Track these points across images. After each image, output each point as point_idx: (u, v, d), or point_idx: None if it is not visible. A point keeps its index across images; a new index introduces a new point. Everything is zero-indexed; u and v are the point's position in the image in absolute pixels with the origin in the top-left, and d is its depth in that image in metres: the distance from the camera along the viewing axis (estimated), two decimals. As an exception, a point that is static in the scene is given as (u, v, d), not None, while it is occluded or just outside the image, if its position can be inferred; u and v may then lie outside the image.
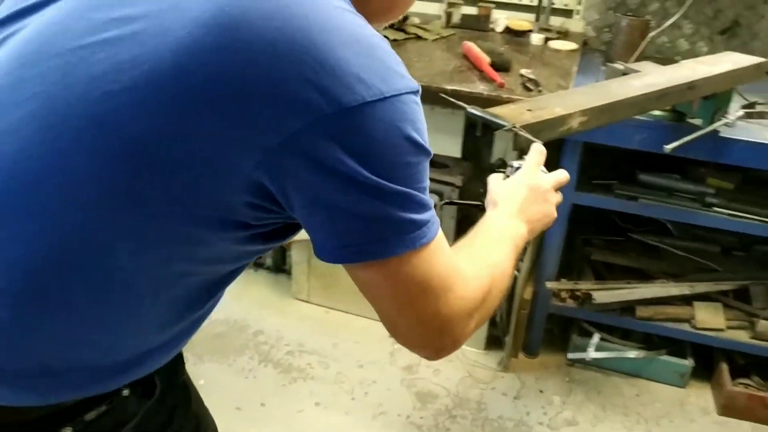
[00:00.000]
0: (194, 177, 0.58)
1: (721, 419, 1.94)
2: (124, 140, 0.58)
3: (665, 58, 2.17)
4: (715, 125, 1.59)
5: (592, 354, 2.04)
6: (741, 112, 1.64)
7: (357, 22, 0.61)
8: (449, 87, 1.69)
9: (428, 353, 0.72)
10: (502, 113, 1.22)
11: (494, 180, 0.95)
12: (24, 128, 0.60)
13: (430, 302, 0.66)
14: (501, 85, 1.69)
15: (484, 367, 2.06)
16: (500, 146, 1.81)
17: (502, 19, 2.20)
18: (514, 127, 1.16)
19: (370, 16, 0.66)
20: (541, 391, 1.99)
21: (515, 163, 0.96)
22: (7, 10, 0.69)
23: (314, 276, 2.21)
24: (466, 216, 1.98)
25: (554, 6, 2.23)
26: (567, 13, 2.27)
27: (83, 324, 0.64)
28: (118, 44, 0.59)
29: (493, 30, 2.22)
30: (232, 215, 0.62)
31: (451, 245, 0.71)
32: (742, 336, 1.95)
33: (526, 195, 0.89)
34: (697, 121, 1.62)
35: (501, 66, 1.81)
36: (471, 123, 1.29)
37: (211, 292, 0.73)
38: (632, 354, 2.03)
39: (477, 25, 2.21)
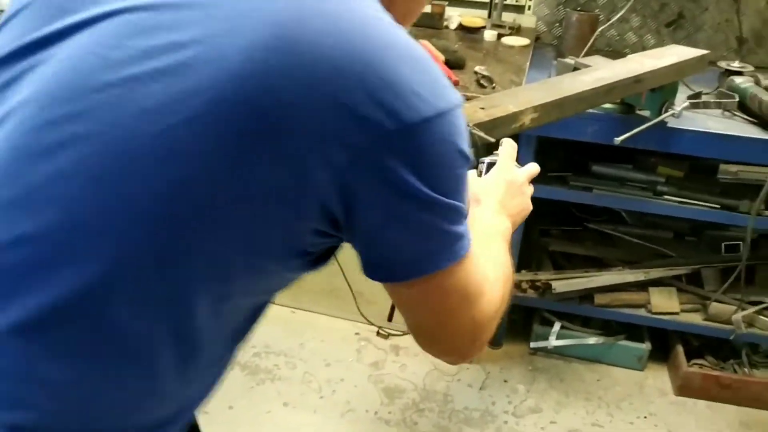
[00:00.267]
0: (264, 207, 0.56)
1: (678, 399, 2.01)
2: (190, 175, 0.54)
3: (615, 51, 2.22)
4: (663, 116, 1.64)
5: (553, 342, 2.09)
6: (687, 103, 1.70)
7: (405, 36, 0.59)
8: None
9: (457, 359, 0.73)
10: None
11: (470, 178, 0.98)
12: (73, 177, 0.55)
13: (467, 310, 0.67)
14: (455, 83, 1.72)
15: (449, 359, 2.10)
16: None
17: (455, 17, 2.23)
18: (468, 125, 1.19)
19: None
20: (505, 381, 2.04)
21: (487, 159, 0.98)
22: (14, 42, 0.62)
23: (278, 277, 2.21)
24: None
25: (506, 2, 2.27)
26: (519, 9, 2.31)
27: (152, 378, 0.61)
28: (171, 73, 0.54)
29: (446, 27, 2.25)
30: (297, 244, 0.60)
31: None
32: (696, 318, 2.02)
33: (505, 190, 0.91)
34: (646, 113, 1.68)
35: (455, 64, 1.84)
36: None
37: (254, 320, 0.72)
38: (592, 340, 2.09)
39: (431, 23, 2.23)
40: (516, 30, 2.23)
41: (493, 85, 1.73)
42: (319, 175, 0.55)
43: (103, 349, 0.58)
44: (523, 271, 2.06)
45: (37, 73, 0.59)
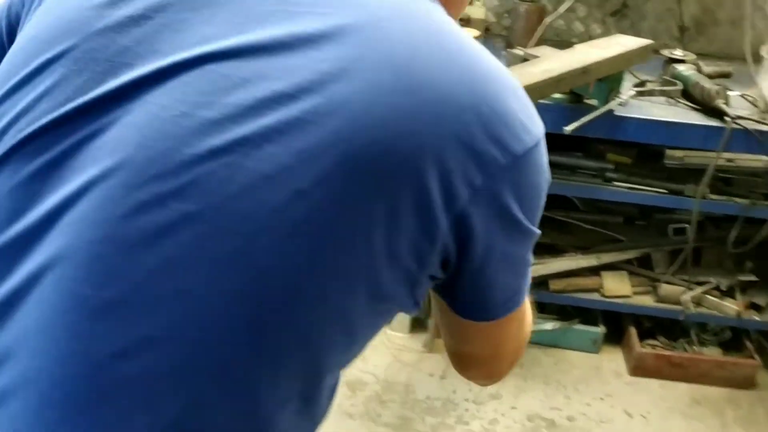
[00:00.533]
0: (394, 262, 0.51)
1: (633, 379, 2.07)
2: (323, 242, 0.49)
3: (563, 41, 2.26)
4: (610, 105, 1.68)
5: (511, 329, 2.13)
6: (633, 91, 1.74)
7: (500, 63, 0.56)
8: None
9: (494, 381, 0.73)
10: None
11: None
12: (188, 265, 0.48)
13: (521, 336, 0.67)
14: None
15: (409, 350, 2.12)
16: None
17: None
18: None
19: None
20: (465, 369, 2.06)
21: None
22: (54, 108, 0.52)
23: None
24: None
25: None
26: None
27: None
28: (289, 131, 0.47)
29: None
30: (415, 292, 0.56)
31: None
32: (647, 300, 2.08)
33: None
34: (594, 102, 1.71)
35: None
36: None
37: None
38: (548, 326, 2.13)
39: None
40: (466, 21, 2.25)
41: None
42: (443, 220, 0.51)
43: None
44: (480, 261, 2.09)
45: (104, 144, 0.50)
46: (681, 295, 2.02)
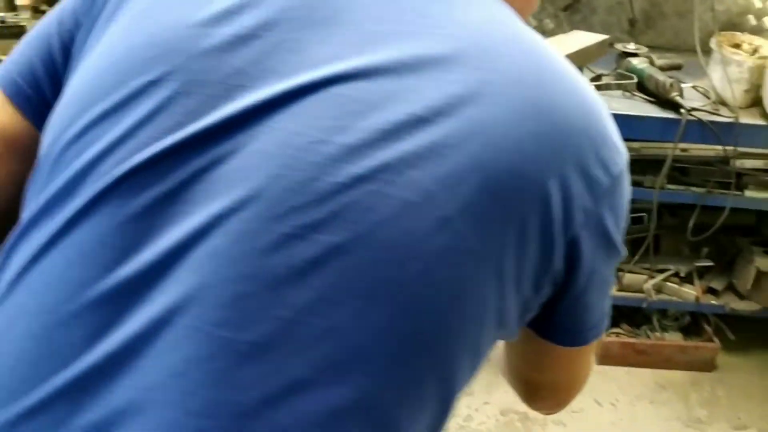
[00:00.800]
0: (517, 287, 0.50)
1: (600, 368, 2.11)
2: (469, 267, 0.47)
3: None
4: (571, 101, 1.70)
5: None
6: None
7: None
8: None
9: (558, 410, 0.71)
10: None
11: None
12: (339, 301, 0.45)
13: (592, 362, 0.66)
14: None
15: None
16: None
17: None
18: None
19: None
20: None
21: None
22: (163, 136, 0.48)
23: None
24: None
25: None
26: None
27: None
28: (428, 156, 0.45)
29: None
30: (524, 317, 0.54)
31: None
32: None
33: None
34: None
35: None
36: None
37: None
38: (516, 319, 2.16)
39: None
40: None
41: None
42: (560, 245, 0.50)
43: None
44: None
45: (229, 173, 0.46)
46: (643, 284, 2.07)
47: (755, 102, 1.83)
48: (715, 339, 2.11)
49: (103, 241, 0.47)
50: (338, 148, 0.45)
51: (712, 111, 1.77)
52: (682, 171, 1.96)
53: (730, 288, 2.13)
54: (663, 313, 2.18)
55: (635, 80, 1.85)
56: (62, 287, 0.47)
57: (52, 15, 0.61)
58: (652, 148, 1.93)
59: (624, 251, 0.57)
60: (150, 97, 0.49)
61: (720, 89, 1.83)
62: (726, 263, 2.16)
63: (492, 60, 0.49)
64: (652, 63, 1.94)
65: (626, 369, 2.10)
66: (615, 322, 2.18)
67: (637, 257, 2.07)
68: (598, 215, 0.52)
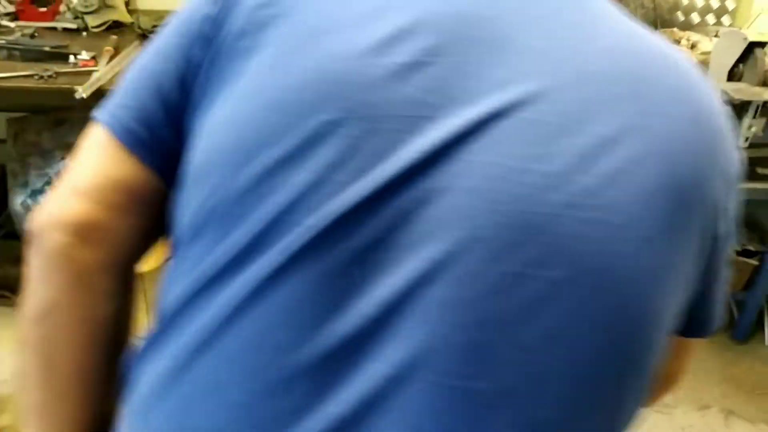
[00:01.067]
0: (686, 289, 0.51)
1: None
2: (669, 283, 0.48)
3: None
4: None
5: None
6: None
7: None
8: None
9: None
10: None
11: None
12: (565, 336, 0.44)
13: None
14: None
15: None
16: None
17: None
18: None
19: None
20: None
21: None
22: (369, 171, 0.44)
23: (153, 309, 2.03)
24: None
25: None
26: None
27: None
28: (622, 176, 0.45)
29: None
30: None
31: None
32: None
33: None
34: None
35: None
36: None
37: None
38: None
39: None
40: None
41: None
42: (709, 246, 0.52)
43: None
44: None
45: (438, 214, 0.44)
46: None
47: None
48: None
49: (308, 299, 0.44)
50: (541, 177, 0.44)
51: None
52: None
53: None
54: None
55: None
56: (265, 351, 0.45)
57: (157, 51, 0.55)
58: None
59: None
60: (331, 138, 0.45)
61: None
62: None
63: (651, 75, 0.50)
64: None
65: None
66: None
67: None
68: (727, 209, 0.53)
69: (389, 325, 0.43)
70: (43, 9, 1.93)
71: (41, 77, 1.54)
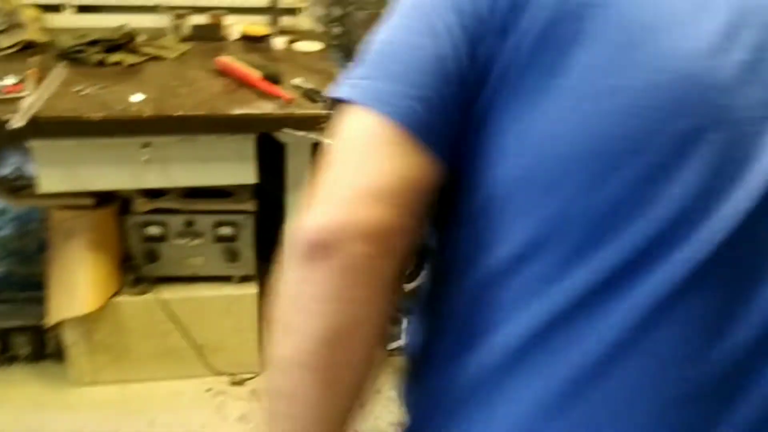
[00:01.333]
0: None
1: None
2: None
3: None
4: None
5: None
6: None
7: None
8: (236, 111, 1.53)
9: None
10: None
11: None
12: None
13: None
14: (290, 101, 1.59)
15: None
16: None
17: (236, 26, 2.06)
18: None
19: None
20: (378, 392, 2.00)
21: None
22: (742, 181, 0.44)
23: (98, 353, 1.87)
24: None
25: (278, 6, 2.16)
26: (292, 11, 2.22)
27: None
28: None
29: (227, 39, 2.07)
30: None
31: None
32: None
33: None
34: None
35: (274, 78, 1.70)
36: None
37: None
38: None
39: (210, 35, 2.03)
40: (301, 34, 2.14)
41: (325, 98, 1.64)
42: None
43: None
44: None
45: None
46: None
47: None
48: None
49: (709, 312, 0.44)
50: None
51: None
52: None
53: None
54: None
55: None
56: (672, 367, 0.44)
57: (431, 30, 0.49)
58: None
59: None
60: (699, 146, 0.44)
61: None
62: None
63: None
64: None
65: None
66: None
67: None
68: None
69: None
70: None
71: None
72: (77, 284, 1.73)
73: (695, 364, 0.44)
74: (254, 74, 1.69)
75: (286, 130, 1.52)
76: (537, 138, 0.46)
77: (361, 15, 2.05)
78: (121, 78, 1.66)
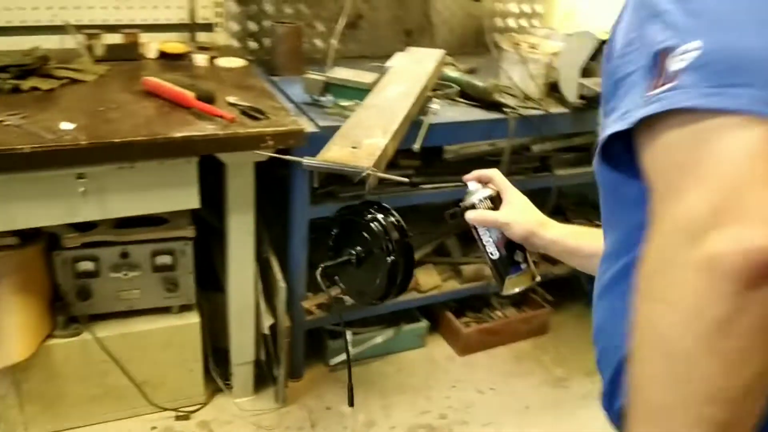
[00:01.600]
0: None
1: (464, 359, 2.22)
2: None
3: (322, 59, 2.23)
4: (428, 115, 1.76)
5: (351, 351, 2.10)
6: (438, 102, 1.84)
7: None
8: (178, 134, 1.46)
9: None
10: (336, 157, 1.16)
11: (513, 205, 0.98)
12: None
13: None
14: (232, 120, 1.54)
15: (263, 411, 1.93)
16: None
17: (153, 44, 1.97)
18: (373, 170, 1.12)
19: None
20: (328, 408, 1.97)
21: (481, 192, 1.01)
22: None
23: (29, 403, 1.72)
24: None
25: (194, 21, 2.09)
26: (207, 27, 2.15)
27: None
28: None
29: (144, 57, 1.97)
30: None
31: None
32: (455, 285, 2.25)
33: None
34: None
35: (208, 98, 1.64)
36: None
37: None
38: (380, 338, 2.16)
39: (127, 55, 1.93)
40: (220, 50, 2.08)
41: (266, 115, 1.60)
42: None
43: None
44: (309, 295, 2.00)
45: None
46: (481, 272, 2.23)
47: (548, 93, 2.08)
48: (546, 304, 2.37)
49: None
50: None
51: (525, 105, 1.98)
52: (496, 163, 2.15)
53: (542, 257, 2.41)
54: (496, 293, 2.38)
55: (456, 89, 1.98)
56: None
57: None
58: (467, 147, 2.08)
59: None
60: None
61: (522, 86, 2.05)
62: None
63: None
64: (457, 70, 2.09)
65: (484, 353, 2.26)
66: (461, 313, 2.31)
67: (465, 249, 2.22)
68: None
69: None
70: None
71: None
72: (4, 331, 1.59)
73: None
74: (188, 94, 1.62)
75: (259, 152, 1.45)
76: None
77: (280, 29, 2.02)
78: (41, 105, 1.54)
